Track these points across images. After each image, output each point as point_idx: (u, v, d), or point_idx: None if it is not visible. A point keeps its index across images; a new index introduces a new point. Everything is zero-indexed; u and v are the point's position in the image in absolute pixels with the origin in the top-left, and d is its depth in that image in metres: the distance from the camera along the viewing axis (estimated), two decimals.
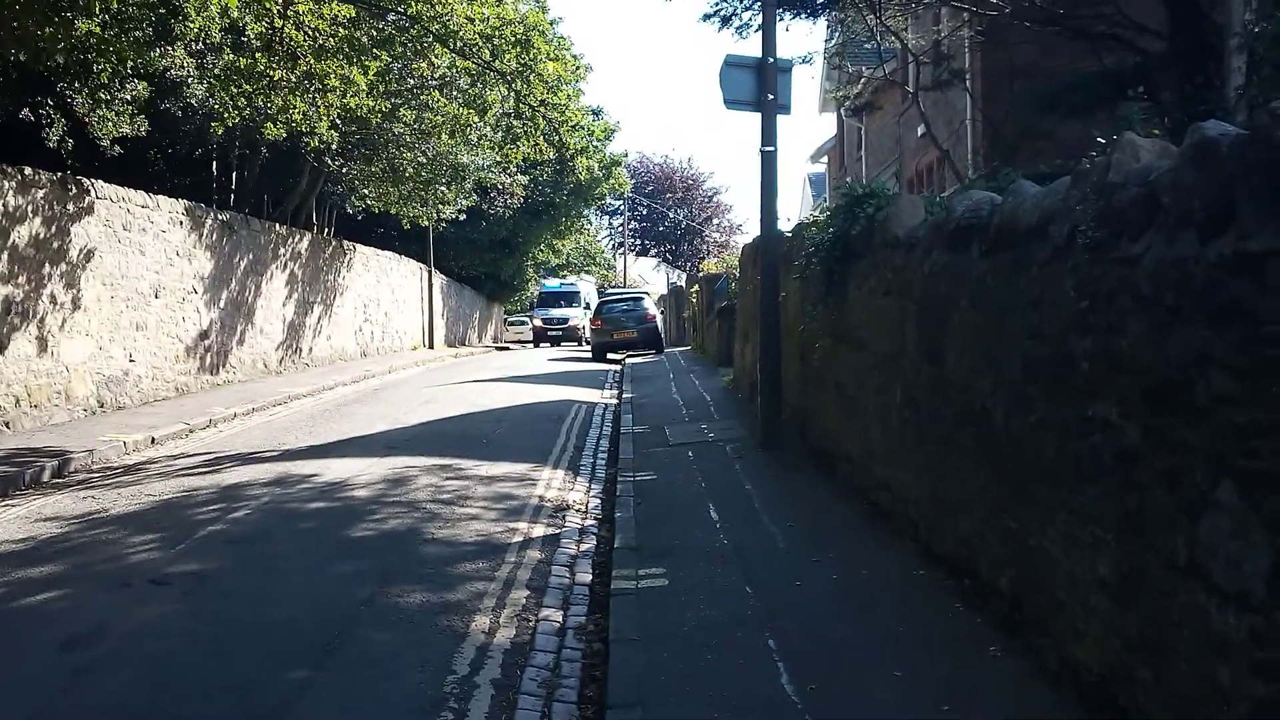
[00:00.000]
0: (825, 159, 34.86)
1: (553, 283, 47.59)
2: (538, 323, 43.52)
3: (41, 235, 13.22)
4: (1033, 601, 4.43)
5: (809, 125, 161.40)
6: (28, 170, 12.97)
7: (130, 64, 13.03)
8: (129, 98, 13.77)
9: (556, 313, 42.88)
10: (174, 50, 14.81)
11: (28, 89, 12.74)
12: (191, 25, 13.64)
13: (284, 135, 17.75)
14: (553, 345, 40.57)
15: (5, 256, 12.49)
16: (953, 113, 16.12)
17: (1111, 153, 3.76)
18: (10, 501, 9.18)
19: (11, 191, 12.61)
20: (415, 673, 4.77)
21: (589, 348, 32.67)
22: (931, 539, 5.89)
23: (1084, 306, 3.84)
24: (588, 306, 40.73)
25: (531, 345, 42.30)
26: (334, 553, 7.01)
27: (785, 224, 11.48)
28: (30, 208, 12.99)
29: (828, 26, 17.74)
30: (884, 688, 4.32)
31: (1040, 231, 4.27)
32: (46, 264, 13.34)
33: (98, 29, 11.43)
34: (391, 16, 15.12)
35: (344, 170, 23.61)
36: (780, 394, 10.15)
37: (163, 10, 13.34)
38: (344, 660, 4.97)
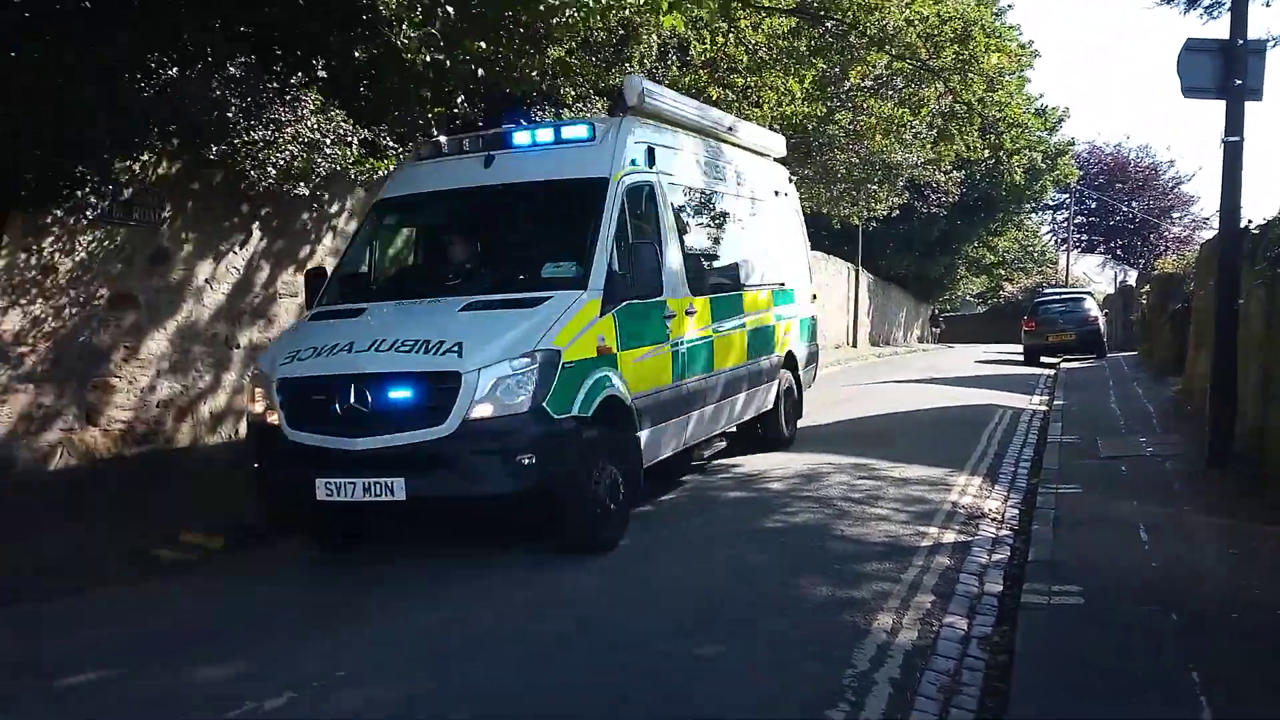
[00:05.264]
0: None
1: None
2: None
3: None
4: None
5: None
6: None
7: (591, 84, 14.46)
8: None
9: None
10: (630, 67, 16.14)
11: (500, 112, 14.49)
12: (638, 47, 14.80)
13: None
14: None
15: None
16: None
17: None
18: None
19: None
20: (815, 663, 4.96)
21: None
22: None
23: None
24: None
25: None
26: (747, 540, 7.43)
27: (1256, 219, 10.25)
28: None
29: None
30: None
31: None
32: None
33: (566, 55, 12.73)
34: (830, 24, 15.37)
35: None
36: (1235, 409, 9.14)
37: (623, 32, 14.64)
38: (749, 643, 5.29)
